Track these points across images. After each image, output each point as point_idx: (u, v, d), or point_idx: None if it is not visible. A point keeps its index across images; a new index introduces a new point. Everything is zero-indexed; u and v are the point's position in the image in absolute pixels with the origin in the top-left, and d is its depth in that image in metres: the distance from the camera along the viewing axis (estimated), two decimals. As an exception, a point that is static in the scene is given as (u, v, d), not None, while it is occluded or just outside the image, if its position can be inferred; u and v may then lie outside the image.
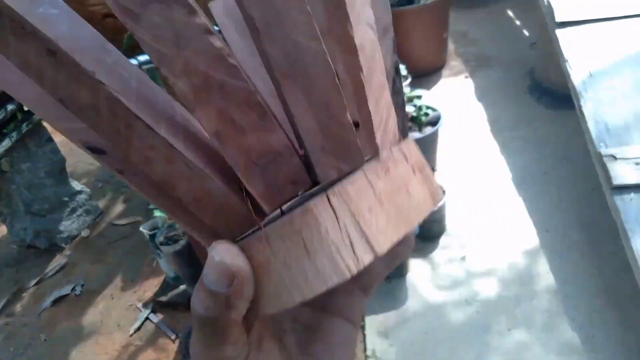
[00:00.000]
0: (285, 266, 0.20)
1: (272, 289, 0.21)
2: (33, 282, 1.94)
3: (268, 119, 0.20)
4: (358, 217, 0.20)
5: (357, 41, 0.21)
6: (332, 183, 0.21)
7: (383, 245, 0.20)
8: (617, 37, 1.59)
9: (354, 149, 0.21)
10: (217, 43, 0.19)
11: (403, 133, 0.24)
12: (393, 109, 0.23)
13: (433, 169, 2.02)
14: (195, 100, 0.19)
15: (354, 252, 0.20)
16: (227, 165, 0.21)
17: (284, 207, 0.21)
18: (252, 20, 0.19)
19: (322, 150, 0.20)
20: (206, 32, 0.19)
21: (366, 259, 0.20)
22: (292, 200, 0.21)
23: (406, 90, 2.03)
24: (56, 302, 1.83)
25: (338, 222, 0.20)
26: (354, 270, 0.20)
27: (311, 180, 0.21)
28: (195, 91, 0.19)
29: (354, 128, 0.20)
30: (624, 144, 1.30)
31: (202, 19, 0.19)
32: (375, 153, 0.21)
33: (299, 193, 0.21)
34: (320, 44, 0.19)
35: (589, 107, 1.41)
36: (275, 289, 0.21)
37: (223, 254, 0.21)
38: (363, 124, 0.21)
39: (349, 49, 0.21)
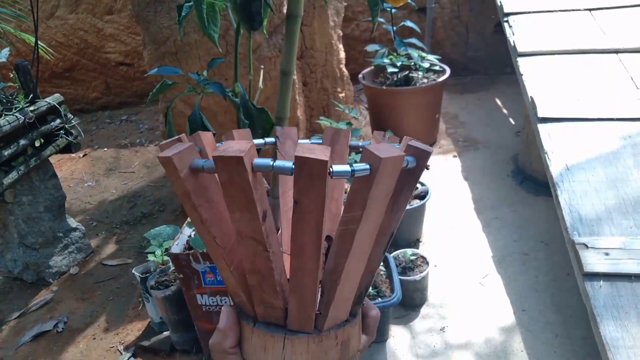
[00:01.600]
0: (255, 349, 0.39)
1: (249, 353, 0.39)
2: (15, 314, 1.94)
3: (279, 293, 0.37)
4: (293, 355, 0.37)
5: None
6: (294, 332, 0.38)
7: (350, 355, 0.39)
8: (592, 137, 1.76)
9: (310, 327, 0.38)
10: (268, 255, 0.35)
11: (353, 314, 0.41)
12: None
13: (418, 240, 2.12)
14: (248, 271, 0.37)
15: (340, 358, 0.40)
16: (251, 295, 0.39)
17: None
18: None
19: (295, 320, 0.38)
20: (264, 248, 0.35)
21: None
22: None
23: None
24: (37, 337, 1.83)
25: (283, 350, 0.38)
26: None
27: (284, 323, 0.38)
28: (249, 269, 0.37)
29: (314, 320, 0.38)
30: (595, 234, 1.42)
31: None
32: (320, 330, 0.38)
33: (273, 323, 0.39)
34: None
35: (564, 197, 1.54)
36: (250, 354, 0.39)
37: (226, 307, 0.41)
38: (323, 316, 0.38)
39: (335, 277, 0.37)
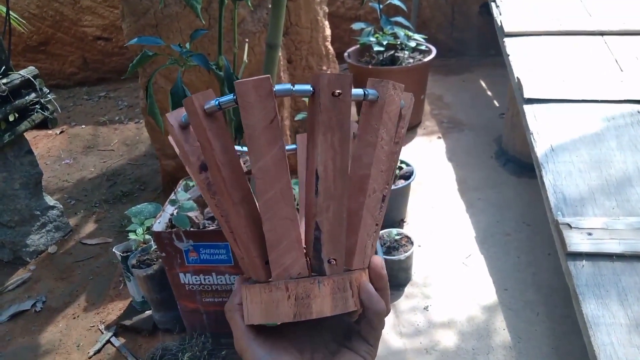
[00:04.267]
0: (263, 304, 0.37)
1: (251, 311, 0.38)
2: (-9, 294, 1.89)
3: (300, 245, 0.37)
4: (307, 299, 0.36)
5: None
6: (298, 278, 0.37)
7: (315, 315, 0.36)
8: (577, 118, 1.77)
9: (323, 271, 0.37)
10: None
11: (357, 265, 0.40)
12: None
13: (403, 220, 2.12)
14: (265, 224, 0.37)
15: (297, 312, 0.36)
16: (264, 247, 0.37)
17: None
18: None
19: (311, 268, 0.38)
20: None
21: (303, 317, 0.36)
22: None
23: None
24: (14, 317, 1.78)
25: (288, 298, 0.36)
26: (291, 319, 0.36)
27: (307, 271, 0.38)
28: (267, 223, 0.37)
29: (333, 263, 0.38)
30: (579, 214, 1.43)
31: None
32: (331, 274, 0.38)
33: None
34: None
35: (549, 178, 1.55)
36: (253, 312, 0.38)
37: (239, 279, 0.42)
38: (339, 262, 0.38)
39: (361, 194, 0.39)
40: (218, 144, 0.36)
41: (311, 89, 0.35)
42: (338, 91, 0.35)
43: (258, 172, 0.34)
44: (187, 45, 1.23)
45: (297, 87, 0.35)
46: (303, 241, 0.38)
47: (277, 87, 0.34)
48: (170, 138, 0.41)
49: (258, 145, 0.34)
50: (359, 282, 0.39)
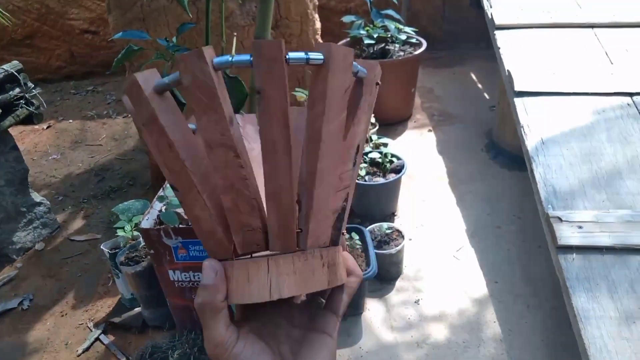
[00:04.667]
0: (237, 283, 0.36)
1: (232, 290, 0.36)
2: (-23, 292, 1.86)
3: (256, 211, 0.36)
4: (279, 276, 0.35)
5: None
6: (275, 254, 0.36)
7: (286, 293, 0.35)
8: (567, 111, 1.77)
9: (293, 245, 0.36)
10: (240, 163, 0.34)
11: (334, 243, 0.39)
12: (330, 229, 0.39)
13: (394, 214, 2.12)
14: (221, 190, 0.35)
15: (270, 291, 0.35)
16: (227, 224, 0.37)
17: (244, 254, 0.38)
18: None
19: (276, 237, 0.36)
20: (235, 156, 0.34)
21: (274, 297, 0.35)
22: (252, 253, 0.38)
23: (374, 137, 2.14)
24: (0, 315, 1.76)
25: (268, 274, 0.35)
26: (266, 299, 0.35)
27: (265, 247, 0.37)
28: (222, 187, 0.35)
29: (297, 233, 0.37)
30: (569, 208, 1.43)
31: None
32: (303, 248, 0.37)
33: (256, 250, 0.37)
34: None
35: (539, 171, 1.55)
36: (233, 291, 0.36)
37: (210, 262, 0.36)
38: (304, 232, 0.37)
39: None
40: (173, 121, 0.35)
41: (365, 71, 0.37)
42: (378, 81, 0.38)
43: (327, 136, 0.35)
44: (174, 39, 1.21)
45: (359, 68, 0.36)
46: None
47: (290, 54, 0.33)
48: (125, 99, 0.37)
49: (335, 109, 0.34)
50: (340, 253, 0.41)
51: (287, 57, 0.32)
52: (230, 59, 0.32)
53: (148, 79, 0.34)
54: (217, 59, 0.32)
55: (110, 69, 1.22)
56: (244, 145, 0.35)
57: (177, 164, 0.35)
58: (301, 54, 0.33)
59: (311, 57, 0.33)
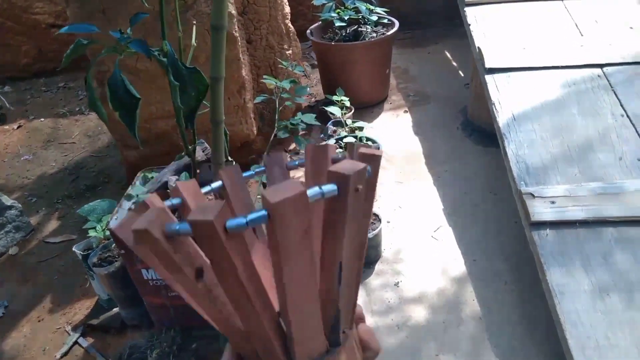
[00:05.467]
0: None
1: None
2: (-50, 302, 1.82)
3: (322, 331, 0.37)
4: None
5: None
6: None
7: None
8: (538, 86, 1.76)
9: (338, 342, 0.38)
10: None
11: (334, 344, 0.38)
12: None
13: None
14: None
15: None
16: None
17: None
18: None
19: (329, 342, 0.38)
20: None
21: None
22: None
23: (348, 121, 2.12)
24: (-25, 323, 1.73)
25: None
26: None
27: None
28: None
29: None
30: (542, 183, 1.43)
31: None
32: (344, 341, 0.39)
33: None
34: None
35: (511, 148, 1.54)
36: None
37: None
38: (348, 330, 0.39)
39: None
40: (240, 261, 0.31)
41: (337, 188, 0.30)
42: (359, 186, 0.31)
43: (288, 280, 0.32)
44: (129, 30, 1.17)
45: (325, 187, 0.30)
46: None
47: (228, 223, 0.28)
48: (136, 248, 0.33)
49: (293, 254, 0.31)
50: (358, 332, 0.42)
51: (225, 228, 0.28)
52: (177, 227, 0.29)
53: (157, 222, 0.30)
54: (169, 227, 0.29)
55: (60, 65, 1.18)
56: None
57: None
58: (242, 220, 0.28)
59: (250, 219, 0.28)
